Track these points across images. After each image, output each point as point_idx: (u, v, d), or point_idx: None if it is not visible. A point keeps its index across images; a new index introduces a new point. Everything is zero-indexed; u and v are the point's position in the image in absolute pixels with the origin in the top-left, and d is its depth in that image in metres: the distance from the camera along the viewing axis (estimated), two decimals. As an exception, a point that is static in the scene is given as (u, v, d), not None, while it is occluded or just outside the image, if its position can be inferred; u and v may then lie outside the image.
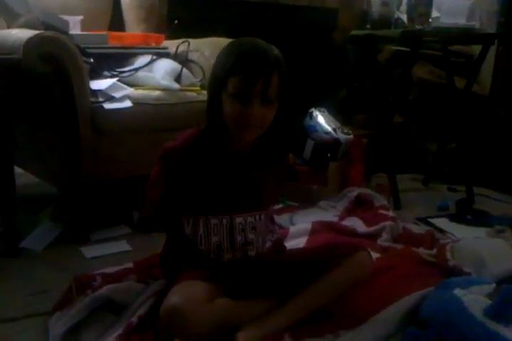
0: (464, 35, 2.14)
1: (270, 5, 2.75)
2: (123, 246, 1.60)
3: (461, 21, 2.06)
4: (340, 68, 2.96)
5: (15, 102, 1.48)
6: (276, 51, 1.10)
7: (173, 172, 1.13)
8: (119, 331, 1.08)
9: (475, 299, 1.10)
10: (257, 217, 1.18)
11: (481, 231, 1.77)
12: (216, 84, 1.10)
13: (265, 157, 1.19)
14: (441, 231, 1.78)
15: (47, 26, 1.64)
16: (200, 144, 1.14)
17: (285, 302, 1.12)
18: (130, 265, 1.37)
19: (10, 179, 1.50)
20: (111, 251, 1.55)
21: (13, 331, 1.15)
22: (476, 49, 2.36)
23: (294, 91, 1.14)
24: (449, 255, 1.45)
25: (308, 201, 1.96)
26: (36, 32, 1.48)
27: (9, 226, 1.51)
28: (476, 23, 2.09)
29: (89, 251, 1.55)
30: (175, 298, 1.01)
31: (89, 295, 1.18)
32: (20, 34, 1.49)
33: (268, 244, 1.22)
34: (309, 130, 2.11)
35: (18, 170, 1.65)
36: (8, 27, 1.74)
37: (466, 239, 1.60)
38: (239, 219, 1.15)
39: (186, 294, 1.02)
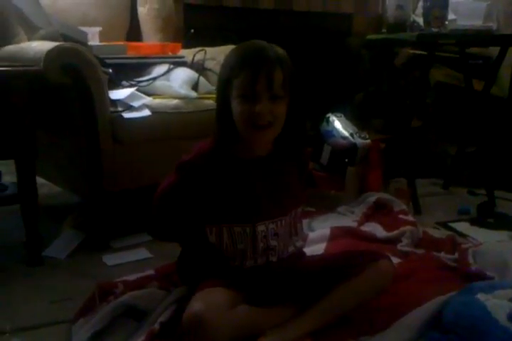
0: (481, 36, 2.12)
1: (284, 12, 2.77)
2: (143, 253, 1.61)
3: (478, 23, 2.05)
4: (356, 73, 2.96)
5: (36, 113, 1.50)
6: (277, 49, 1.10)
7: (190, 183, 1.12)
8: (142, 337, 1.08)
9: (499, 303, 1.09)
10: (279, 223, 1.17)
11: (503, 235, 1.74)
12: (222, 89, 1.10)
13: (284, 161, 1.18)
14: (462, 235, 1.76)
15: (66, 38, 1.67)
16: (216, 154, 1.13)
17: (306, 309, 1.12)
18: (151, 272, 1.38)
19: (32, 189, 1.53)
20: (132, 259, 1.57)
21: (36, 338, 1.16)
22: (494, 50, 2.33)
23: (305, 89, 1.13)
24: (471, 259, 1.44)
25: (326, 206, 1.96)
26: (56, 44, 1.51)
27: (32, 235, 1.53)
28: (493, 25, 2.07)
29: (111, 259, 1.57)
30: (197, 305, 1.01)
31: (111, 302, 1.19)
32: (41, 46, 1.53)
33: (291, 249, 1.20)
34: (326, 135, 2.13)
35: (40, 180, 1.67)
36: (29, 39, 1.77)
37: (489, 243, 1.58)
38: (261, 227, 1.14)
39: (208, 301, 1.02)
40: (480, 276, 1.35)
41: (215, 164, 1.12)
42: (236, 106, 1.08)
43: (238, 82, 1.06)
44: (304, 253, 1.31)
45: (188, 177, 1.12)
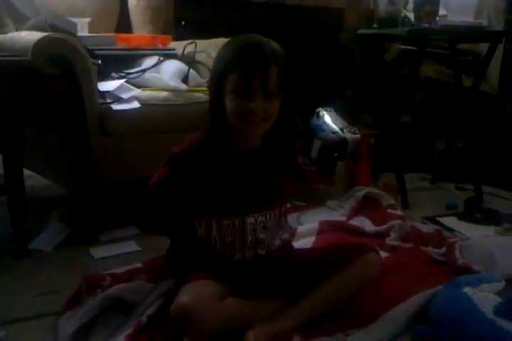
0: (472, 33, 2.13)
1: (276, 5, 2.75)
2: (131, 246, 1.61)
3: (469, 19, 2.05)
4: (347, 68, 2.96)
5: (24, 104, 1.49)
6: (273, 44, 1.09)
7: (181, 176, 1.12)
8: (129, 330, 1.08)
9: (485, 297, 1.10)
10: (268, 216, 1.17)
11: (490, 230, 1.76)
12: (216, 83, 1.09)
13: (274, 155, 1.19)
14: (449, 230, 1.77)
15: (55, 28, 1.65)
16: (208, 147, 1.13)
17: (295, 302, 1.12)
18: (139, 265, 1.38)
19: (19, 181, 1.51)
20: (119, 252, 1.56)
21: (22, 331, 1.16)
22: (484, 47, 2.35)
23: (297, 84, 1.13)
24: (457, 253, 1.45)
25: (315, 201, 1.96)
26: (45, 34, 1.49)
27: (19, 227, 1.52)
28: (483, 21, 2.08)
29: (98, 252, 1.56)
30: (185, 297, 1.02)
31: (98, 294, 1.19)
32: (29, 36, 1.50)
33: (277, 242, 1.21)
34: (316, 130, 2.12)
35: (27, 172, 1.66)
36: (17, 29, 1.75)
37: (475, 238, 1.60)
38: (250, 220, 1.15)
39: (196, 293, 1.02)
40: (467, 270, 1.36)
41: (205, 156, 1.12)
42: (230, 101, 1.07)
43: (233, 78, 1.05)
44: (292, 247, 1.32)
45: (178, 169, 1.12)
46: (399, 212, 1.80)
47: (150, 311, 1.13)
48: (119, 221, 1.75)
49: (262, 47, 1.06)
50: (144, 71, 1.81)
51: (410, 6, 2.14)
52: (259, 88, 1.05)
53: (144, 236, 1.66)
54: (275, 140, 1.17)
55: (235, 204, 1.14)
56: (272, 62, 1.05)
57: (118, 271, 1.33)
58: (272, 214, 1.18)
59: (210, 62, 1.93)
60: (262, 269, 1.16)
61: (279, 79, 1.06)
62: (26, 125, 1.52)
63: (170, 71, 1.82)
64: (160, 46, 1.99)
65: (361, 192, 1.96)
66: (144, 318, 1.11)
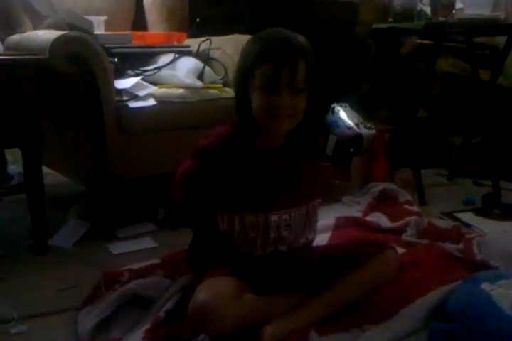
0: (489, 26, 2.10)
1: (291, 0, 2.75)
2: (149, 242, 1.62)
3: (486, 12, 2.02)
4: (362, 63, 2.94)
5: (42, 102, 1.50)
6: (301, 39, 1.08)
7: (208, 169, 1.12)
8: (147, 325, 1.09)
9: (503, 293, 1.09)
10: (292, 214, 1.16)
11: (508, 226, 1.74)
12: (242, 77, 1.08)
13: (299, 152, 1.17)
14: (467, 225, 1.75)
15: (72, 27, 1.67)
16: (234, 141, 1.13)
17: (312, 298, 1.12)
18: (157, 261, 1.38)
19: (38, 178, 1.53)
20: (137, 248, 1.58)
21: (43, 326, 1.18)
22: (501, 40, 2.31)
23: (323, 81, 1.12)
24: (476, 249, 1.44)
25: (331, 197, 1.95)
26: (62, 32, 1.50)
27: (38, 224, 1.54)
28: (501, 14, 2.05)
29: (116, 248, 1.58)
30: (203, 294, 1.02)
31: (117, 290, 1.20)
32: (47, 35, 1.52)
33: (302, 240, 1.20)
34: (331, 125, 2.12)
35: (46, 169, 1.68)
36: (34, 28, 1.77)
37: (494, 233, 1.58)
38: (274, 217, 1.14)
39: (214, 290, 1.03)
40: (485, 266, 1.34)
41: (231, 150, 1.12)
42: (256, 97, 1.06)
43: (261, 73, 1.04)
44: (311, 244, 1.31)
45: (205, 162, 1.12)
46: (415, 208, 1.79)
47: (168, 306, 1.14)
48: (136, 217, 1.77)
49: (290, 42, 1.05)
50: (159, 68, 1.82)
51: (426, -1, 2.12)
52: (286, 84, 1.04)
53: (160, 233, 1.68)
54: (300, 137, 1.16)
55: (257, 200, 1.13)
56: (301, 57, 1.04)
57: (136, 266, 1.34)
58: (297, 212, 1.17)
59: (225, 59, 1.95)
60: (281, 264, 1.15)
61: (306, 75, 1.05)
62: (44, 122, 1.54)
63: (185, 68, 1.83)
64: (175, 43, 2.00)
65: (377, 188, 1.94)
66: (162, 313, 1.12)
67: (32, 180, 1.53)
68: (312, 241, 1.28)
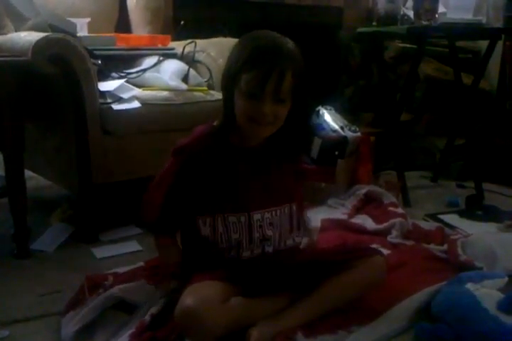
0: (471, 30, 2.12)
1: (275, 4, 2.76)
2: (133, 246, 1.61)
3: (468, 16, 2.05)
4: (346, 66, 2.96)
5: (24, 104, 1.49)
6: (291, 45, 1.07)
7: (187, 169, 1.12)
8: (132, 329, 1.08)
9: (488, 293, 1.10)
10: (274, 213, 1.16)
11: (491, 227, 1.76)
12: (229, 80, 1.08)
13: (280, 152, 1.18)
14: (451, 227, 1.77)
15: (54, 29, 1.65)
16: (214, 140, 1.13)
17: (299, 300, 1.12)
18: (141, 264, 1.37)
19: (20, 181, 1.51)
20: (121, 252, 1.56)
21: (26, 331, 1.16)
22: (483, 44, 2.35)
23: (309, 88, 1.12)
24: (460, 250, 1.45)
25: (316, 199, 1.96)
26: (44, 34, 1.48)
27: (21, 228, 1.52)
28: (482, 18, 2.07)
29: (100, 252, 1.56)
30: (189, 299, 1.01)
31: (101, 294, 1.19)
32: (29, 37, 1.50)
33: (289, 242, 1.20)
34: (316, 128, 2.12)
35: (28, 172, 1.66)
36: (16, 30, 1.75)
37: (477, 234, 1.59)
38: (257, 216, 1.14)
39: (201, 295, 1.02)
40: (469, 266, 1.36)
41: (208, 148, 1.12)
42: (240, 101, 1.06)
43: (247, 78, 1.04)
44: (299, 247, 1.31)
45: (184, 160, 1.12)
46: (400, 210, 1.80)
47: (153, 310, 1.13)
48: (120, 221, 1.76)
49: (279, 51, 1.04)
50: (144, 71, 1.81)
51: (409, 3, 2.14)
52: (271, 92, 1.04)
53: (145, 236, 1.66)
54: (279, 140, 1.16)
55: (239, 200, 1.13)
56: (288, 66, 1.04)
57: (120, 270, 1.33)
58: (279, 212, 1.17)
59: (210, 62, 1.95)
60: (268, 267, 1.15)
61: (292, 85, 1.05)
62: (27, 125, 1.52)
63: (170, 71, 1.82)
64: (159, 46, 2.00)
65: (362, 190, 1.96)
66: (148, 317, 1.11)
67: (14, 183, 1.51)
68: (299, 245, 1.27)
